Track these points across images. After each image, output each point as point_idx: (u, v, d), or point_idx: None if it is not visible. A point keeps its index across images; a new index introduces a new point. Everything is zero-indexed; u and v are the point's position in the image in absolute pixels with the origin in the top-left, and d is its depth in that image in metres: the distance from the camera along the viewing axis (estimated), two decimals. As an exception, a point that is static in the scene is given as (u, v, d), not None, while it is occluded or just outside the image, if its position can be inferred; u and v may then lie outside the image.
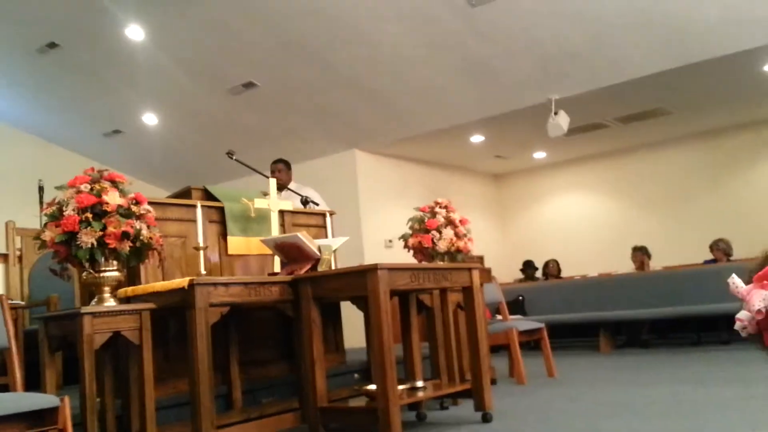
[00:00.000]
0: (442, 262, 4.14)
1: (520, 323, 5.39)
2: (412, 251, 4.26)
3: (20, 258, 5.17)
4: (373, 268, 3.15)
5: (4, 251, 5.27)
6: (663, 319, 7.06)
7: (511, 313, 6.10)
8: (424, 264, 4.07)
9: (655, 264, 8.37)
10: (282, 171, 5.67)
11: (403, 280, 3.30)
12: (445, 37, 6.40)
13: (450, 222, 4.23)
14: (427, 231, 4.17)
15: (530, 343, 5.90)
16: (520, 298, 7.96)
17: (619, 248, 9.10)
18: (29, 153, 8.66)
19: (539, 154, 10.43)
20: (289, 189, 5.33)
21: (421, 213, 4.28)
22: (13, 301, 4.49)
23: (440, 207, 4.27)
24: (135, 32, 6.72)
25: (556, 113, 7.20)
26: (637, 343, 7.33)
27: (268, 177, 4.38)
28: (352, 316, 4.41)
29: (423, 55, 6.69)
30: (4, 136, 8.65)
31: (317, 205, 4.91)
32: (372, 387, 3.37)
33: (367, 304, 3.29)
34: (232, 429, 3.41)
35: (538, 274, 9.67)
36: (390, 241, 8.61)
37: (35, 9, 6.54)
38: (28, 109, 8.46)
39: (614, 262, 9.03)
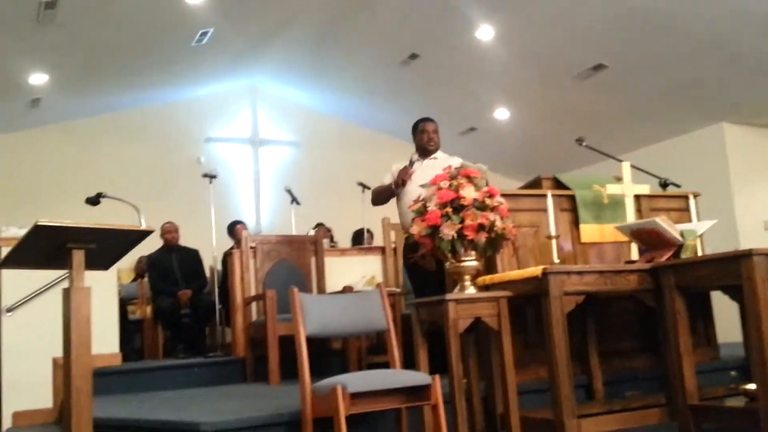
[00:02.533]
0: (839, 246, 3.48)
1: None
2: (798, 234, 3.67)
3: (395, 250, 5.81)
4: (747, 254, 2.83)
5: (381, 244, 5.99)
6: None
7: None
8: (815, 248, 3.47)
9: None
10: (437, 132, 4.59)
11: (785, 266, 2.87)
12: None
13: None
14: (818, 209, 3.55)
15: None
16: None
17: None
18: (393, 155, 9.62)
19: None
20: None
21: (809, 189, 3.65)
22: (390, 289, 5.07)
23: (834, 180, 3.60)
24: (485, 32, 7.04)
25: None
26: None
27: (620, 161, 4.19)
28: (726, 307, 3.98)
29: (803, 5, 5.71)
30: (369, 140, 9.76)
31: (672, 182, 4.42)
32: (752, 386, 3.00)
33: (741, 294, 2.94)
34: (593, 420, 3.33)
35: None
36: (770, 222, 7.57)
37: (397, 26, 7.31)
38: (392, 115, 9.44)
39: None
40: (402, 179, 4.39)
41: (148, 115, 9.00)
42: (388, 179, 4.59)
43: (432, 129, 4.58)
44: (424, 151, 4.56)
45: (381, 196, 4.66)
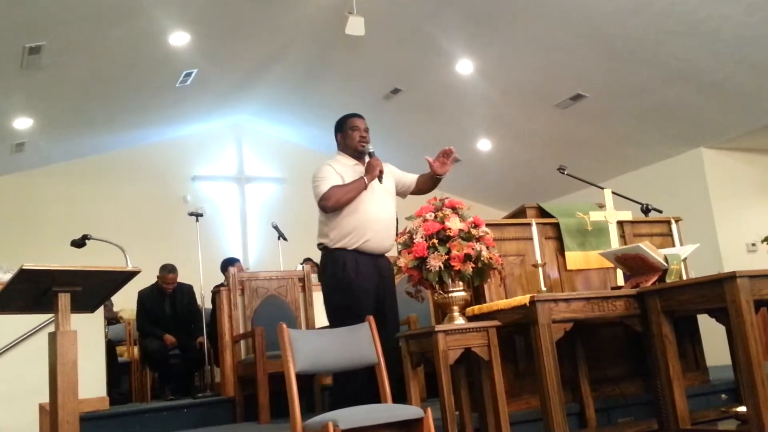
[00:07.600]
0: (820, 266, 3.53)
1: None
2: (780, 255, 3.72)
3: (383, 283, 5.79)
4: (731, 276, 2.85)
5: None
6: None
7: None
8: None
9: None
10: (368, 131, 4.00)
11: (769, 288, 2.90)
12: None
13: (827, 218, 3.59)
14: (798, 230, 3.60)
15: None
16: None
17: None
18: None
19: None
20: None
21: (788, 210, 3.71)
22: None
23: (812, 201, 3.66)
24: (464, 66, 7.17)
25: None
26: None
27: (602, 188, 4.25)
28: (713, 330, 4.01)
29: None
30: (362, 176, 9.86)
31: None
32: (742, 409, 3.01)
33: (727, 317, 2.97)
34: (587, 448, 3.34)
35: None
36: (753, 245, 7.65)
37: (379, 61, 7.42)
38: (376, 149, 9.49)
39: None
40: (380, 170, 3.76)
41: (133, 156, 9.01)
42: (335, 179, 3.82)
43: (364, 127, 3.92)
44: (355, 153, 3.90)
45: (349, 196, 3.76)
